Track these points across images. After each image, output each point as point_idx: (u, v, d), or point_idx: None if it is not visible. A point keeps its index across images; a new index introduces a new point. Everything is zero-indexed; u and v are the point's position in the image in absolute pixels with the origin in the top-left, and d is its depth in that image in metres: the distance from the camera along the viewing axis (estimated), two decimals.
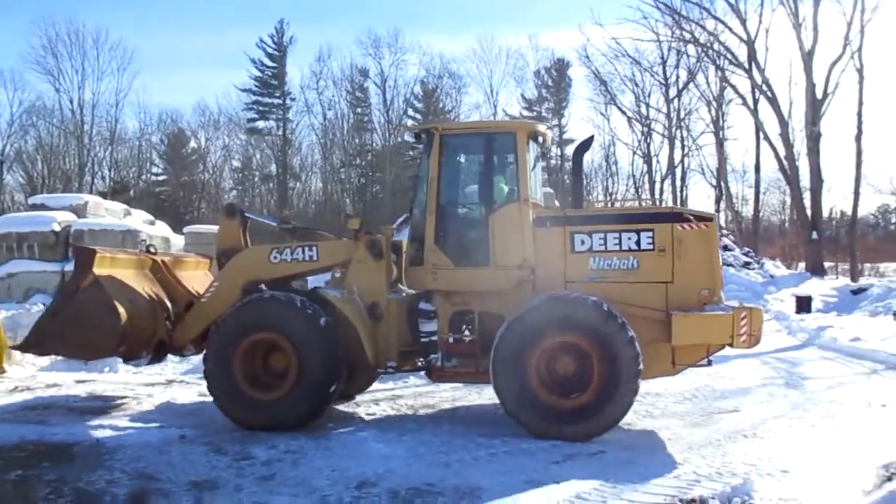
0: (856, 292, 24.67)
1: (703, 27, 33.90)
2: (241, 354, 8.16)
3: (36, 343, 8.85)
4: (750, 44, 31.57)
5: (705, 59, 37.06)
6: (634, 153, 50.33)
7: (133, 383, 10.88)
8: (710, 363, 8.29)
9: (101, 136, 50.67)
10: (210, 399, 9.50)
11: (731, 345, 7.92)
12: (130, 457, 6.94)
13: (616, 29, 55.59)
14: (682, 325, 7.75)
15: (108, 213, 18.21)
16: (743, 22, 31.68)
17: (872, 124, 52.86)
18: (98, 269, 8.45)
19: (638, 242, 8.07)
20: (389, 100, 52.81)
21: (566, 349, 7.81)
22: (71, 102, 49.11)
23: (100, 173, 51.13)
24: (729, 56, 33.37)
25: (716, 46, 34.07)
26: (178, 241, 17.75)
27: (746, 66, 32.21)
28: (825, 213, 35.35)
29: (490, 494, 5.97)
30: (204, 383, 10.81)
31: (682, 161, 46.55)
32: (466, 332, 8.49)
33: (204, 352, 8.43)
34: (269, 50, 53.01)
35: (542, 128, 9.06)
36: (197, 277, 10.11)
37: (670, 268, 8.01)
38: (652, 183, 48.38)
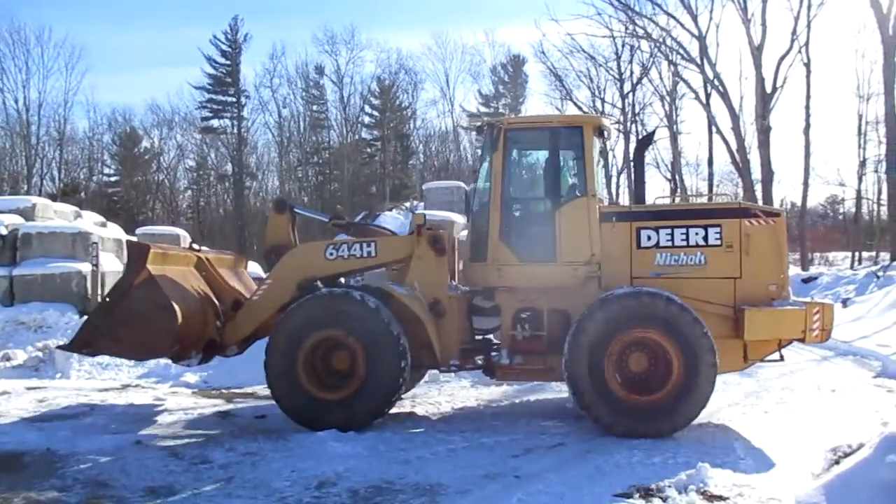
0: (806, 281, 25.27)
1: (656, 23, 34.32)
2: (305, 353, 7.98)
3: (86, 342, 8.50)
4: (701, 39, 32.09)
5: (658, 54, 37.52)
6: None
7: (87, 389, 10.64)
8: (782, 358, 8.24)
9: (50, 137, 49.40)
10: (165, 403, 9.36)
11: (802, 340, 7.95)
12: (84, 464, 6.78)
13: (571, 25, 55.73)
14: (755, 320, 7.75)
15: (57, 216, 17.73)
16: (694, 18, 32.18)
17: (820, 117, 54.19)
18: (151, 266, 8.16)
19: (705, 238, 8.03)
20: (346, 97, 52.53)
21: (640, 345, 7.73)
22: (16, 102, 47.67)
23: (49, 174, 49.87)
24: (681, 51, 33.85)
25: (668, 42, 34.54)
26: None
27: (698, 61, 32.71)
28: (776, 204, 36.09)
29: (449, 490, 5.98)
30: (159, 387, 10.74)
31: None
32: (532, 329, 8.34)
33: (268, 350, 8.08)
34: (223, 47, 52.25)
35: (606, 122, 8.96)
36: (235, 275, 9.88)
37: (738, 263, 7.98)
38: (608, 177, 48.91)
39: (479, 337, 8.81)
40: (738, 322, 7.89)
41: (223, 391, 10.51)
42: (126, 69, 74.85)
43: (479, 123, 9.05)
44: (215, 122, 52.98)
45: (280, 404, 8.08)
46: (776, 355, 8.15)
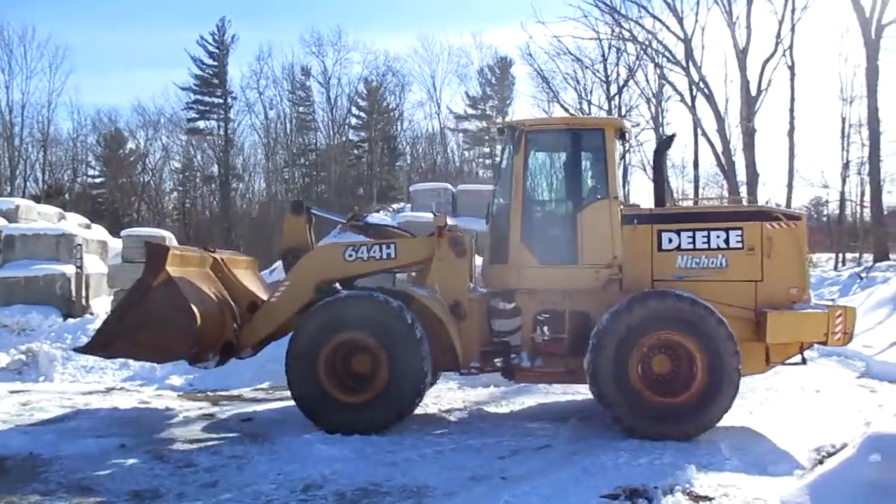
0: None
1: (642, 25, 34.48)
2: (327, 355, 7.92)
3: (103, 345, 8.36)
4: (687, 42, 32.26)
5: (644, 56, 37.69)
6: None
7: (70, 392, 10.55)
8: (804, 361, 8.25)
9: (34, 138, 49.01)
10: (150, 406, 9.29)
11: (825, 343, 7.98)
12: (67, 468, 6.71)
13: (558, 27, 55.91)
14: (778, 323, 7.78)
15: (41, 217, 17.59)
16: (680, 20, 32.35)
17: (804, 120, 54.59)
18: (170, 268, 8.05)
19: (727, 241, 8.04)
20: (333, 98, 52.43)
21: (664, 347, 7.73)
22: None
23: (32, 176, 49.47)
24: (667, 54, 34.01)
25: (654, 44, 34.70)
26: (115, 244, 17.28)
27: (684, 63, 32.88)
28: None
29: (436, 492, 5.98)
30: (144, 390, 10.67)
31: (623, 156, 47.31)
32: (553, 332, 8.31)
33: (287, 351, 8.02)
34: (210, 48, 52.04)
35: (627, 125, 8.91)
36: (249, 276, 9.79)
37: (759, 266, 8.00)
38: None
39: (497, 339, 8.78)
40: (759, 325, 7.91)
41: (209, 394, 10.45)
42: (111, 70, 74.48)
43: (500, 125, 9.00)
44: (201, 124, 52.82)
45: (300, 406, 8.02)
46: (797, 358, 8.17)
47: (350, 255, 8.62)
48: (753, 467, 6.60)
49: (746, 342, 7.78)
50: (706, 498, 5.80)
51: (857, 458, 4.38)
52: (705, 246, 8.05)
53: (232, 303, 8.77)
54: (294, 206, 9.57)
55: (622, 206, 8.35)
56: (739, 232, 8.04)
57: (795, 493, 4.54)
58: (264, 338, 8.79)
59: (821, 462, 6.00)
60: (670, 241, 8.11)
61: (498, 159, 9.50)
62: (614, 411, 7.62)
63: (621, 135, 8.65)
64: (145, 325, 7.97)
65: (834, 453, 5.53)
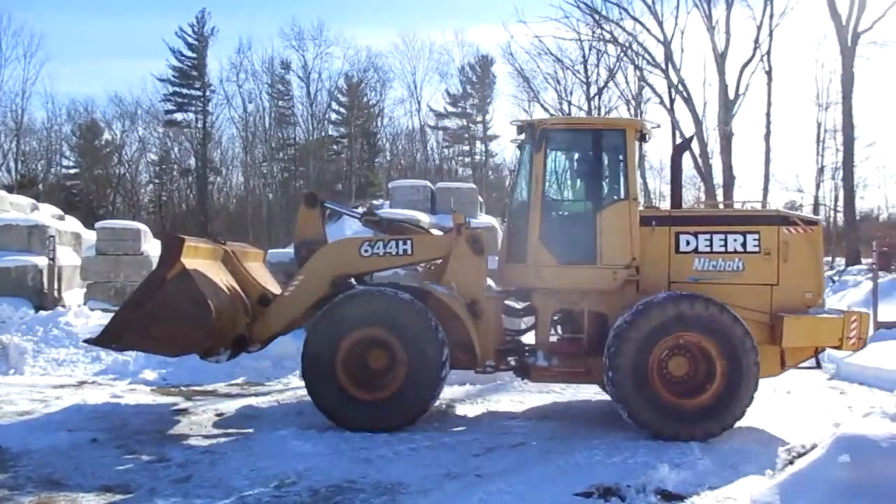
0: None
1: (622, 27, 34.75)
2: (344, 351, 7.86)
3: (114, 337, 8.20)
4: (666, 45, 32.54)
5: (624, 58, 38.00)
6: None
7: (41, 385, 10.39)
8: (819, 365, 8.31)
9: (7, 127, 48.20)
10: (122, 400, 9.20)
11: (839, 347, 8.04)
12: (37, 462, 6.63)
13: (539, 27, 56.25)
14: (794, 327, 7.82)
15: (13, 208, 17.31)
16: (660, 23, 32.63)
17: (780, 125, 55.32)
18: (185, 260, 7.90)
19: (744, 244, 8.08)
20: (313, 93, 52.13)
21: (681, 349, 7.75)
22: None
23: (5, 165, 48.67)
24: (647, 56, 34.30)
25: (634, 47, 34.98)
26: (89, 236, 17.06)
27: (663, 66, 33.17)
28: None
29: (410, 489, 5.97)
30: (117, 384, 10.54)
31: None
32: (570, 332, 8.27)
33: (304, 348, 7.96)
34: (189, 40, 51.52)
35: (648, 126, 8.91)
36: (258, 269, 9.64)
37: (776, 270, 8.05)
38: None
39: (509, 338, 8.77)
40: (773, 329, 7.98)
41: (182, 389, 10.35)
42: (87, 60, 73.37)
43: (520, 123, 9.00)
44: (179, 116, 52.25)
45: (317, 403, 7.96)
46: (811, 361, 8.24)
47: (366, 251, 8.56)
48: (725, 467, 6.67)
49: (761, 345, 7.80)
50: (678, 496, 5.86)
51: (826, 459, 4.44)
52: (722, 249, 8.10)
53: (243, 296, 8.67)
54: (308, 198, 9.45)
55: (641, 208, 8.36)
56: (757, 236, 8.09)
57: (766, 492, 4.60)
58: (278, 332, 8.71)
59: (791, 462, 6.06)
60: (688, 243, 8.15)
61: (517, 158, 9.44)
62: (632, 411, 7.63)
63: (641, 136, 8.66)
64: (159, 317, 7.83)
65: (804, 454, 5.60)
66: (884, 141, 60.69)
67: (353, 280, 8.54)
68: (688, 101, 32.19)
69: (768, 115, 33.24)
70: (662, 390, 7.65)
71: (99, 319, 12.85)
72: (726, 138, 30.71)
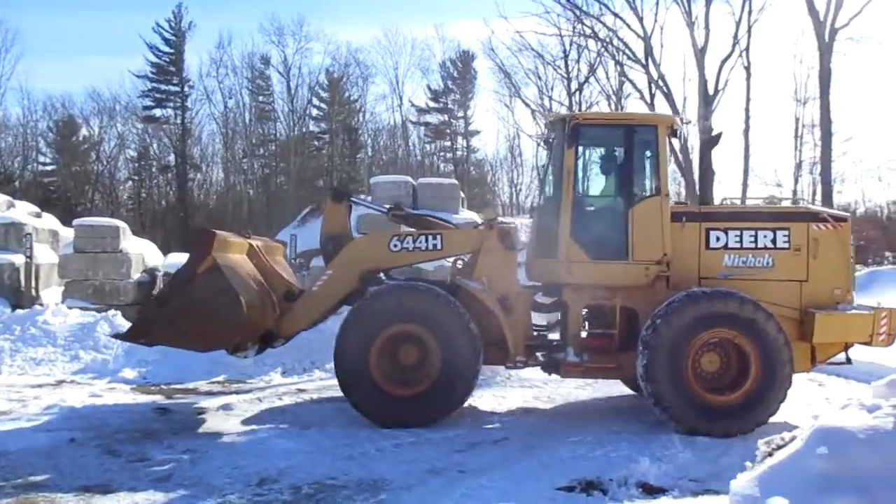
0: None
1: (603, 23, 34.75)
2: (377, 347, 7.83)
3: (144, 332, 8.07)
4: (646, 40, 32.62)
5: (605, 54, 38.05)
6: (538, 145, 51.20)
7: (19, 385, 10.26)
8: (849, 361, 8.34)
9: None
10: (102, 399, 9.11)
11: (869, 343, 8.06)
12: (15, 463, 6.55)
13: (520, 22, 56.36)
14: (825, 324, 7.87)
15: None
16: (640, 19, 32.69)
17: (759, 120, 55.69)
18: (215, 254, 7.80)
19: (774, 240, 8.12)
20: (293, 88, 51.77)
21: (715, 345, 7.78)
22: None
23: None
24: (627, 51, 34.34)
25: (614, 42, 35.03)
26: (67, 234, 16.85)
27: (643, 61, 33.23)
28: (716, 202, 36.99)
29: (393, 485, 5.98)
30: (96, 383, 10.44)
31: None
32: (601, 327, 8.26)
33: (336, 345, 7.92)
34: (167, 35, 50.90)
35: (679, 121, 8.88)
36: (281, 263, 9.53)
37: (805, 266, 8.10)
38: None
39: (536, 333, 8.77)
40: (803, 324, 8.04)
41: (163, 387, 10.26)
42: (63, 56, 72.38)
43: (551, 118, 8.94)
44: (158, 112, 51.63)
45: (351, 400, 7.94)
46: (842, 357, 8.29)
47: (395, 246, 8.54)
48: (705, 459, 6.75)
49: (791, 341, 7.84)
50: (660, 489, 5.91)
51: (804, 451, 4.47)
52: (752, 245, 8.15)
53: (270, 290, 8.60)
54: (335, 193, 9.38)
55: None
56: (786, 232, 8.15)
57: (745, 484, 4.62)
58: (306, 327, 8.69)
59: (770, 454, 6.10)
60: (718, 239, 8.19)
61: (546, 153, 9.40)
62: (666, 407, 7.66)
63: (673, 132, 8.67)
64: (189, 312, 7.74)
65: (783, 446, 5.65)
66: (861, 136, 61.44)
67: (382, 275, 8.53)
68: (668, 96, 32.27)
69: (747, 110, 33.39)
70: (697, 386, 7.69)
71: (77, 318, 12.72)
72: (706, 133, 30.92)
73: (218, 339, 7.99)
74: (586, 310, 8.43)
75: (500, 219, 8.98)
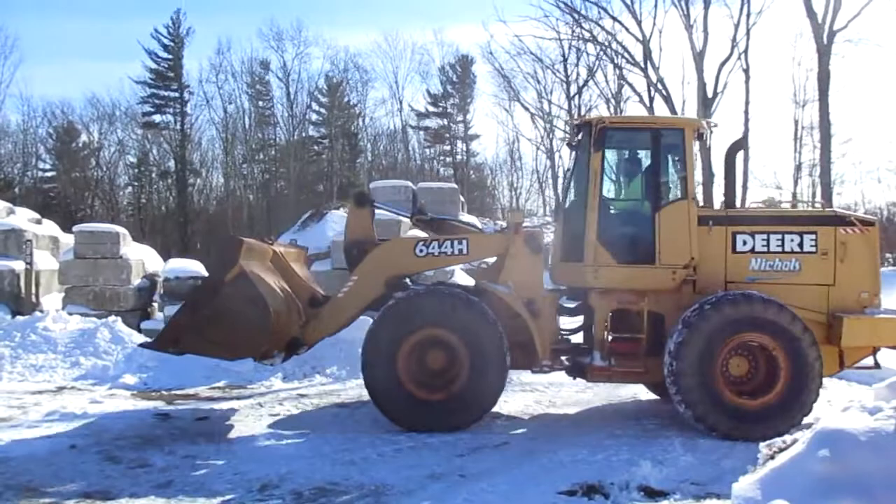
0: None
1: (601, 26, 34.88)
2: (405, 353, 7.83)
3: (172, 340, 8.03)
4: (645, 43, 32.71)
5: (604, 57, 38.16)
6: (538, 148, 51.33)
7: (19, 392, 10.25)
8: (877, 365, 8.30)
9: None
10: (102, 405, 9.10)
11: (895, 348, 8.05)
12: (15, 469, 6.54)
13: (519, 26, 56.44)
14: (854, 328, 7.86)
15: None
16: (638, 22, 32.79)
17: (758, 122, 55.79)
18: (243, 262, 7.80)
19: (801, 244, 8.10)
20: (293, 93, 51.84)
21: (743, 349, 7.78)
22: None
23: None
24: (626, 55, 34.45)
25: (613, 45, 35.14)
26: (67, 240, 16.85)
27: (642, 65, 33.34)
28: (715, 206, 37.00)
29: (394, 490, 5.97)
30: (96, 390, 10.43)
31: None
32: (628, 331, 8.21)
33: (364, 350, 7.95)
34: (165, 41, 50.96)
35: (706, 125, 8.85)
36: (303, 269, 9.52)
37: (832, 271, 8.08)
38: (555, 178, 49.51)
39: (560, 337, 8.77)
40: (830, 328, 8.03)
41: (163, 393, 10.25)
42: (62, 62, 72.46)
43: (577, 121, 8.94)
44: (157, 118, 51.67)
45: (377, 403, 7.93)
46: (869, 361, 8.27)
47: (421, 251, 8.52)
48: (706, 462, 6.74)
49: (819, 345, 7.81)
50: (661, 493, 5.90)
51: (806, 453, 4.47)
52: (779, 249, 8.13)
53: (295, 297, 8.59)
54: (358, 197, 9.30)
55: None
56: (814, 236, 8.12)
57: (747, 487, 4.62)
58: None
59: (772, 457, 6.10)
60: (744, 243, 8.17)
61: (570, 156, 9.40)
62: (699, 413, 7.63)
63: (700, 136, 8.66)
64: (218, 320, 7.72)
65: (785, 448, 5.64)
66: (860, 138, 61.34)
67: (408, 280, 8.54)
68: (667, 99, 32.38)
69: (746, 112, 33.44)
70: (727, 391, 7.68)
71: (78, 324, 12.70)
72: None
73: (246, 347, 7.97)
74: (612, 314, 8.37)
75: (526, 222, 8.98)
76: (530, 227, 8.90)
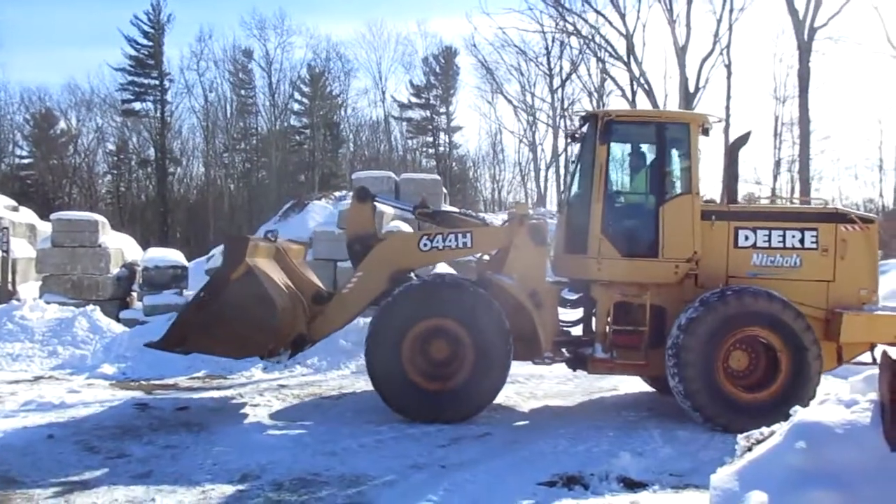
0: None
1: (585, 20, 35.02)
2: (409, 342, 7.83)
3: (179, 339, 7.99)
4: (628, 38, 32.87)
5: (587, 51, 38.31)
6: (520, 141, 51.47)
7: None
8: (875, 361, 8.21)
9: None
10: (80, 395, 9.02)
11: (894, 344, 7.92)
12: None
13: (502, 18, 56.51)
14: (852, 324, 7.93)
15: None
16: (622, 16, 32.95)
17: (739, 118, 56.17)
18: (249, 259, 7.75)
19: (802, 241, 8.16)
20: (275, 83, 51.46)
21: (745, 343, 7.83)
22: None
23: None
24: (609, 49, 34.63)
25: (597, 39, 35.28)
26: (45, 228, 16.65)
27: (625, 59, 33.52)
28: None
29: (376, 481, 5.96)
30: (74, 379, 10.34)
31: (565, 149, 47.87)
32: (630, 324, 8.22)
33: (368, 341, 7.94)
34: (145, 28, 50.34)
35: (711, 120, 8.87)
36: (304, 265, 9.47)
37: (832, 267, 8.14)
38: (538, 171, 49.63)
39: (562, 328, 8.79)
40: (829, 324, 8.11)
41: (142, 383, 10.18)
42: (40, 48, 71.34)
43: (583, 114, 8.91)
44: (137, 105, 51.08)
45: (382, 394, 7.93)
46: (867, 357, 8.33)
47: (425, 245, 8.54)
48: (685, 454, 6.81)
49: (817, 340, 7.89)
50: (641, 484, 5.94)
51: (783, 446, 4.52)
52: (780, 245, 8.19)
53: (299, 294, 8.56)
54: (359, 193, 9.24)
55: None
56: (815, 233, 8.19)
57: (725, 478, 4.66)
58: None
59: (750, 449, 6.16)
60: (746, 238, 8.22)
61: (576, 149, 9.39)
62: (700, 406, 7.69)
63: (705, 130, 8.68)
64: (225, 318, 7.70)
65: (762, 440, 5.71)
66: (839, 135, 62.12)
67: (412, 275, 8.56)
68: (649, 93, 32.59)
69: (727, 108, 33.75)
70: (728, 385, 7.74)
71: (55, 313, 12.57)
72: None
73: (253, 346, 7.95)
74: (615, 306, 8.41)
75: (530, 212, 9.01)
76: (535, 218, 8.89)
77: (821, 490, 4.14)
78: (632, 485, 5.94)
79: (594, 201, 8.23)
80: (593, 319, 8.63)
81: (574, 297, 8.98)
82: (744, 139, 9.20)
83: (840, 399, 4.86)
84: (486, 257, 9.30)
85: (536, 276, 8.45)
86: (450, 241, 8.58)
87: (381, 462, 6.46)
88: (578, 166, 9.00)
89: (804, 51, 25.89)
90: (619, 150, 8.96)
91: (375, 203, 9.28)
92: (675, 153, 8.61)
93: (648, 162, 8.77)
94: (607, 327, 8.29)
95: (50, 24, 70.46)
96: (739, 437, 5.93)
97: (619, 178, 9.08)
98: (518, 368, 9.52)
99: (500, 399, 9.23)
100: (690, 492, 5.79)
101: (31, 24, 69.09)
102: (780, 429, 4.94)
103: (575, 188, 8.99)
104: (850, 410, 4.58)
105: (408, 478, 6.07)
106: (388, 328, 7.91)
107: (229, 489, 5.77)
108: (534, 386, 10.05)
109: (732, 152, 9.15)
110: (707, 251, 8.19)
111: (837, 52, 64.70)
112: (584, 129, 8.84)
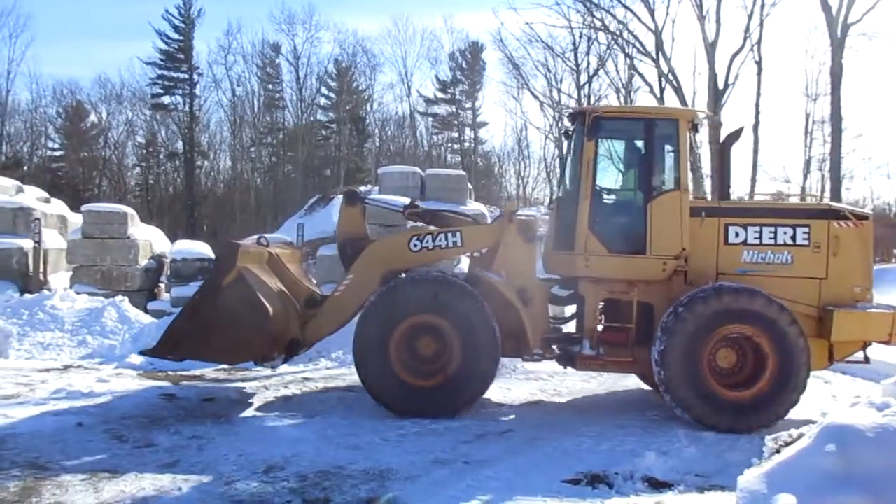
0: None
1: (613, 15, 34.64)
2: (396, 339, 7.89)
3: (172, 346, 8.08)
4: (657, 33, 32.49)
5: (615, 46, 37.92)
6: (546, 137, 51.16)
7: (26, 369, 10.32)
8: (867, 360, 8.30)
9: None
10: (109, 384, 9.14)
11: (888, 342, 8.03)
12: (23, 446, 6.57)
13: (530, 14, 56.01)
14: (844, 322, 7.84)
15: None
16: (651, 12, 32.55)
17: (769, 115, 55.50)
18: (240, 265, 7.84)
19: (793, 237, 8.06)
20: (302, 77, 51.73)
21: (731, 341, 7.79)
22: None
23: None
24: (637, 45, 34.23)
25: (625, 35, 34.91)
26: (75, 219, 16.89)
27: (654, 55, 33.12)
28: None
29: (399, 475, 5.98)
30: (103, 369, 10.48)
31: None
32: (618, 321, 8.22)
33: (356, 338, 7.98)
34: (176, 22, 50.89)
35: (700, 116, 8.75)
36: (298, 269, 9.57)
37: (825, 264, 8.04)
38: (563, 166, 49.37)
39: (552, 325, 8.78)
40: (821, 322, 8.00)
41: (169, 373, 10.29)
42: (72, 41, 72.45)
43: (572, 111, 8.92)
44: (166, 99, 51.65)
45: (370, 391, 7.96)
46: (860, 356, 8.25)
47: (415, 245, 8.56)
48: (711, 455, 6.74)
49: (809, 338, 7.80)
50: (666, 484, 5.90)
51: (813, 448, 4.46)
52: (772, 242, 8.09)
53: (292, 298, 8.62)
54: (348, 195, 9.34)
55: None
56: (807, 229, 8.08)
57: (753, 480, 4.61)
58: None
59: (778, 451, 6.10)
60: (737, 235, 8.14)
61: (565, 145, 9.38)
62: (684, 404, 7.64)
63: (694, 126, 8.59)
64: (217, 325, 7.77)
65: (791, 443, 5.64)
66: (871, 133, 61.06)
67: (403, 276, 8.56)
68: (677, 90, 32.17)
69: (757, 105, 33.26)
70: (714, 382, 7.67)
71: (85, 303, 12.76)
72: (715, 128, 30.76)
73: (246, 352, 7.98)
74: (603, 303, 8.38)
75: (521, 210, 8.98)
76: (525, 216, 8.84)
77: (851, 494, 4.08)
78: (657, 485, 5.89)
79: (582, 198, 8.18)
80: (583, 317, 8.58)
81: (566, 293, 8.93)
82: (735, 135, 9.12)
83: (872, 402, 4.79)
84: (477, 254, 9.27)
85: (525, 273, 8.44)
86: (440, 240, 8.58)
87: (404, 457, 6.48)
88: (568, 163, 8.97)
89: (837, 47, 25.43)
90: (608, 146, 8.91)
91: (365, 206, 9.34)
92: (663, 149, 8.51)
93: (637, 158, 8.69)
94: (595, 324, 8.26)
95: (82, 19, 71.52)
96: (767, 438, 5.86)
97: (608, 174, 8.99)
98: (541, 366, 9.50)
99: (524, 396, 9.24)
100: (716, 493, 5.74)
101: (64, 18, 70.15)
102: (810, 431, 4.87)
103: (565, 185, 8.94)
104: (881, 414, 4.51)
105: (430, 473, 6.08)
106: (375, 325, 7.92)
107: (254, 480, 5.81)
108: (557, 383, 10.01)
109: (724, 149, 9.05)
110: (696, 248, 8.10)
111: (872, 49, 63.56)
112: (573, 125, 8.78)
